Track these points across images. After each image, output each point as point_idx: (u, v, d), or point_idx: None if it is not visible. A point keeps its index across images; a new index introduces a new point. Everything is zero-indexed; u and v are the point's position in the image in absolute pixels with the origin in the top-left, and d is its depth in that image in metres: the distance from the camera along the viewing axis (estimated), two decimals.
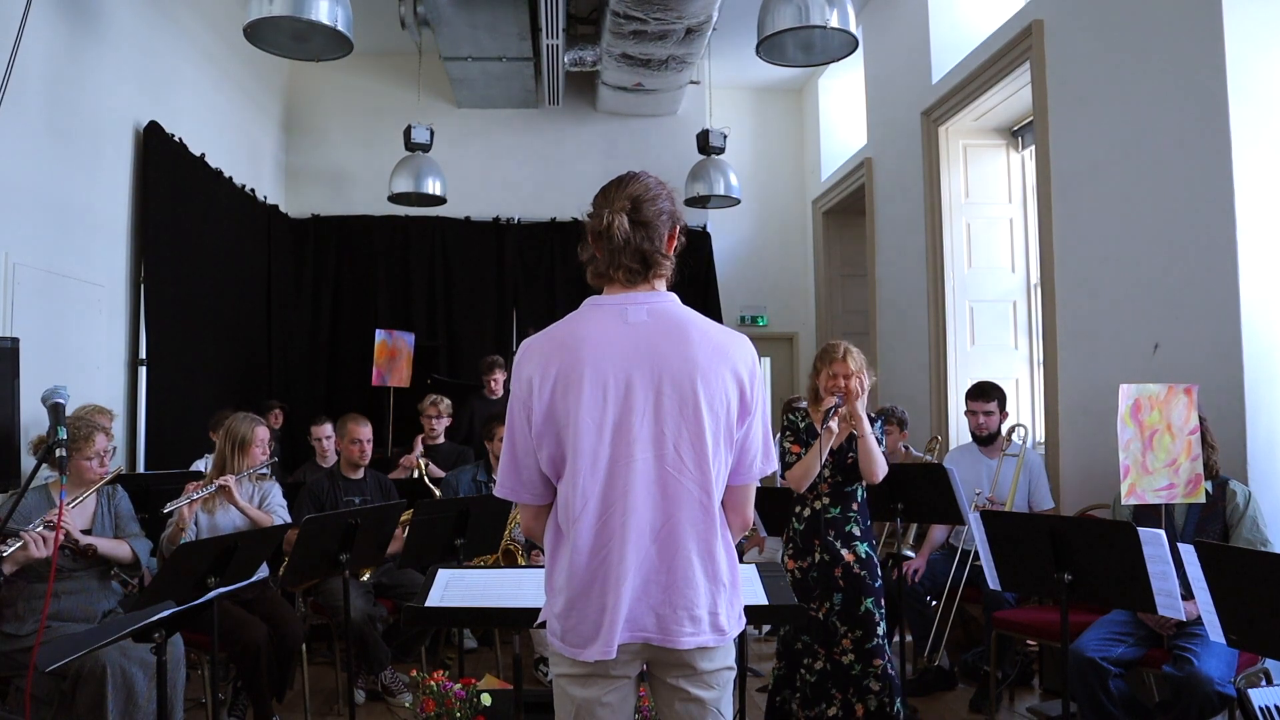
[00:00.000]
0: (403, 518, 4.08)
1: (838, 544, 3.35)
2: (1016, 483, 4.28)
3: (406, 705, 4.13)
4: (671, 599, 1.75)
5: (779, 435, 3.43)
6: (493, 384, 6.16)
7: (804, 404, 3.60)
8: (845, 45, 4.70)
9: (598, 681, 1.78)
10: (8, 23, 3.99)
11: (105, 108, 5.01)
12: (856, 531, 3.38)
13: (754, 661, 4.80)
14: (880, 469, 3.35)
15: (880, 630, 3.34)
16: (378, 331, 6.61)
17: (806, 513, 3.42)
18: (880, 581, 3.40)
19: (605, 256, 1.81)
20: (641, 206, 1.80)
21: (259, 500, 3.95)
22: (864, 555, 3.36)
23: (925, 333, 6.07)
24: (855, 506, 3.41)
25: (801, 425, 3.45)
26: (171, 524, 3.67)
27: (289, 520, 3.94)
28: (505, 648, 4.78)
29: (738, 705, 3.07)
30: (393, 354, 6.61)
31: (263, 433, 4.00)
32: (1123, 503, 3.15)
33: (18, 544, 2.98)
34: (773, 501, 4.29)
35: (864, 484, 3.44)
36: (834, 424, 3.24)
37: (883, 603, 3.39)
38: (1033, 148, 5.11)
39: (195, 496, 3.68)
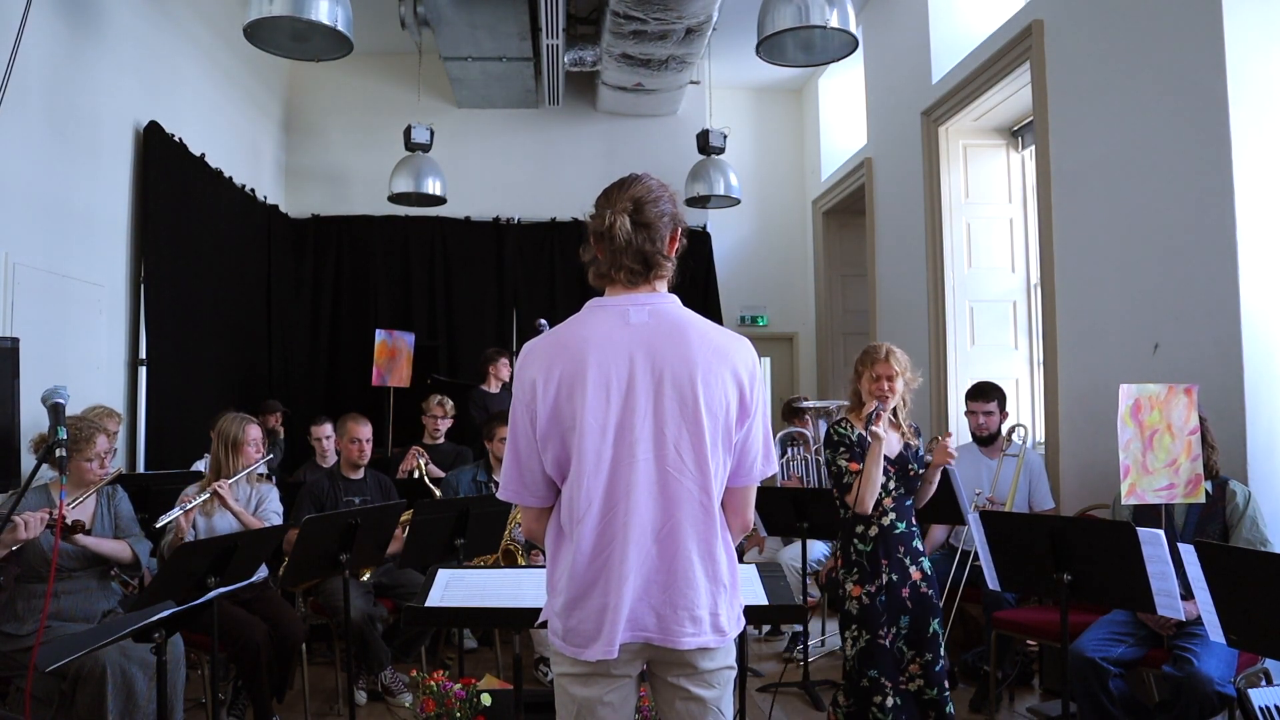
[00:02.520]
0: (403, 518, 4.08)
1: (906, 560, 3.14)
2: (1016, 483, 4.28)
3: (406, 705, 4.13)
4: (672, 599, 1.76)
5: (829, 453, 3.22)
6: (494, 376, 6.15)
7: (807, 402, 3.48)
8: (845, 45, 4.70)
9: (599, 681, 1.79)
10: (8, 23, 3.99)
11: (105, 108, 5.01)
12: (920, 546, 3.20)
13: (754, 661, 4.80)
14: (924, 501, 3.33)
15: (943, 650, 3.16)
16: (378, 331, 6.61)
17: (873, 532, 3.15)
18: (940, 598, 3.25)
19: (607, 257, 1.82)
20: (643, 208, 1.80)
21: (255, 503, 3.95)
22: (928, 571, 3.19)
23: (925, 333, 6.07)
24: (915, 520, 3.24)
25: (854, 437, 3.17)
26: (170, 533, 3.66)
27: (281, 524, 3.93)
28: (505, 648, 4.78)
29: (738, 705, 3.07)
30: (393, 354, 6.60)
31: (254, 431, 3.99)
32: (1123, 503, 3.15)
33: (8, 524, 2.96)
34: (773, 502, 4.29)
35: None
36: (879, 428, 3.06)
37: (940, 617, 3.21)
38: (1033, 148, 5.11)
39: (189, 507, 3.66)
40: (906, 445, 3.22)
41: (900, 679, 3.11)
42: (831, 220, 8.36)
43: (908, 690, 3.11)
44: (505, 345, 7.71)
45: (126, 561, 3.40)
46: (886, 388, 3.13)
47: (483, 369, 6.24)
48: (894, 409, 3.22)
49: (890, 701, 3.06)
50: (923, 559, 3.19)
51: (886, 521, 3.15)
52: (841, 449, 3.19)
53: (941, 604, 4.20)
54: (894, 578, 3.11)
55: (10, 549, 3.04)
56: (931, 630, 3.12)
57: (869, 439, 3.11)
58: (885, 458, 3.13)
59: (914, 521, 3.23)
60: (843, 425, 3.23)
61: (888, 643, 3.08)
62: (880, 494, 3.12)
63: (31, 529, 3.00)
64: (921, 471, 3.25)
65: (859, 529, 3.18)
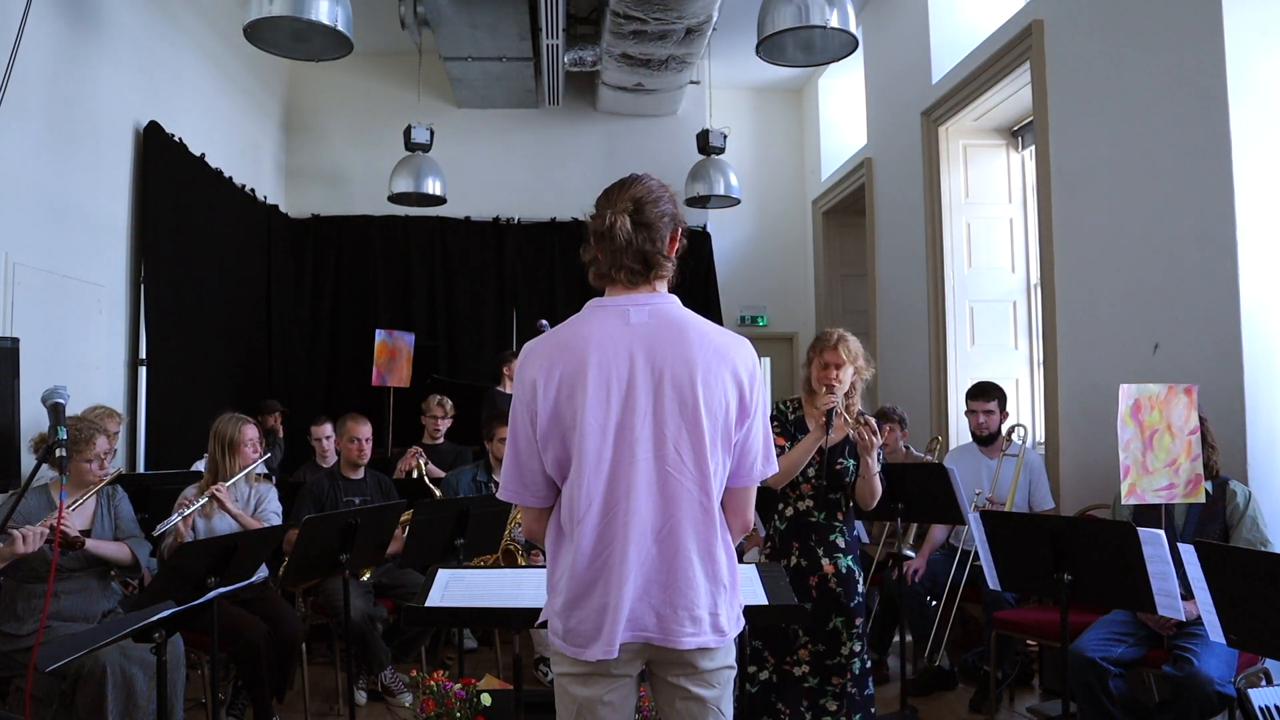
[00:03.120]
0: (403, 518, 4.08)
1: (819, 550, 3.15)
2: (1016, 483, 4.28)
3: (406, 705, 4.13)
4: (672, 599, 1.76)
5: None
6: (510, 377, 6.13)
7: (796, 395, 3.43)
8: (845, 45, 4.70)
9: (599, 680, 1.79)
10: (8, 23, 3.99)
11: (105, 108, 5.01)
12: (841, 543, 3.18)
13: None
14: (873, 498, 3.19)
15: (845, 650, 3.11)
16: (378, 331, 6.61)
17: (789, 512, 3.21)
18: (858, 602, 3.17)
19: (607, 257, 1.82)
20: (644, 208, 1.80)
21: (254, 504, 3.95)
22: (844, 570, 3.15)
23: (925, 333, 6.07)
24: (841, 515, 3.20)
25: (791, 417, 3.23)
26: (170, 537, 3.66)
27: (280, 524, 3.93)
28: (505, 648, 4.78)
29: (737, 705, 3.07)
30: (393, 354, 6.60)
31: (250, 431, 3.98)
32: (1123, 503, 3.15)
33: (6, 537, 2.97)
34: (773, 502, 4.29)
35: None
36: (830, 432, 3.04)
37: (859, 623, 3.15)
38: (1033, 148, 5.11)
39: (186, 513, 3.66)
40: (846, 438, 3.18)
41: (786, 658, 3.11)
42: (831, 220, 8.36)
43: (789, 671, 3.11)
44: (505, 345, 7.72)
45: (126, 564, 3.39)
46: (833, 375, 3.11)
47: (498, 370, 6.23)
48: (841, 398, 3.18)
49: (765, 675, 3.11)
50: (841, 555, 3.16)
51: (803, 507, 3.20)
52: (775, 423, 3.21)
53: (941, 604, 4.24)
54: (803, 563, 3.15)
55: (6, 560, 3.04)
56: (831, 626, 3.09)
57: (808, 428, 3.12)
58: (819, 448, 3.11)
59: (840, 518, 3.19)
60: (786, 404, 3.26)
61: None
62: (798, 479, 3.15)
63: (30, 543, 3.01)
64: (846, 464, 3.16)
65: (779, 506, 3.25)
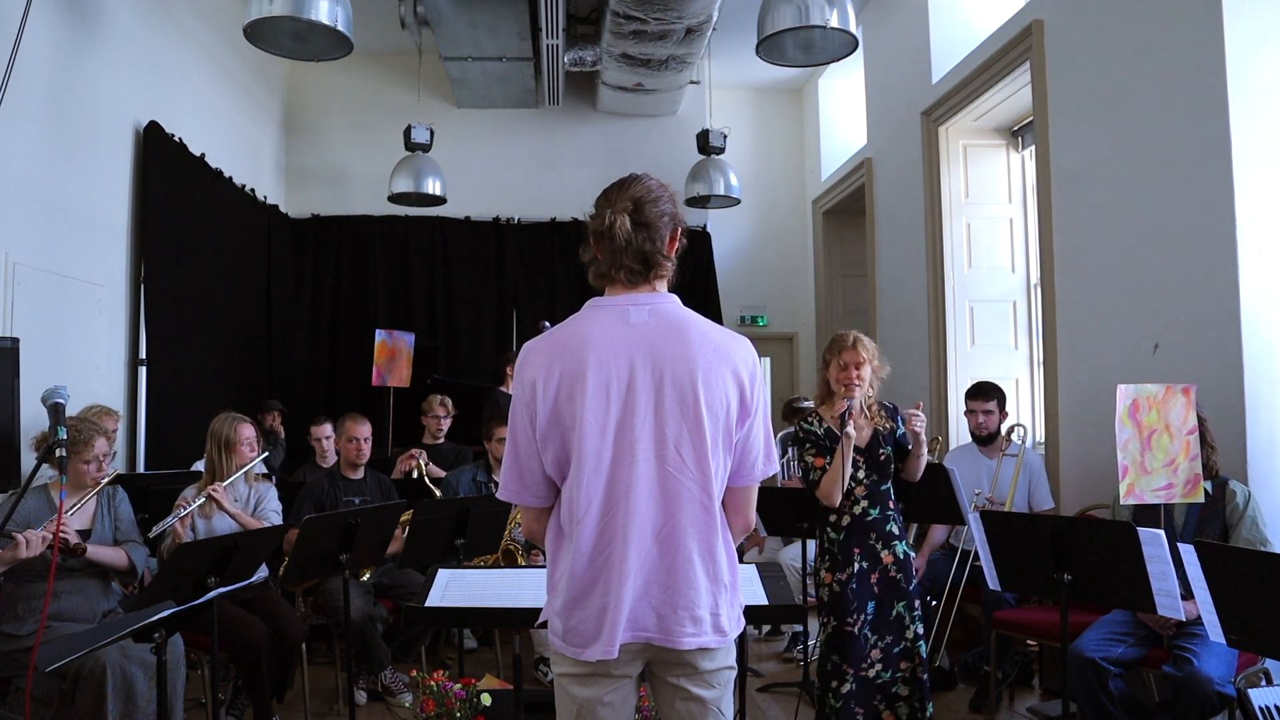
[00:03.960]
0: (403, 518, 4.08)
1: (878, 546, 3.19)
2: (1016, 483, 4.28)
3: (406, 705, 4.13)
4: (672, 599, 1.76)
5: (795, 448, 3.27)
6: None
7: (807, 402, 3.47)
8: (845, 45, 4.70)
9: (599, 681, 1.79)
10: (8, 23, 3.99)
11: (105, 108, 5.01)
12: (895, 530, 3.23)
13: (754, 661, 4.80)
14: (920, 470, 3.31)
15: (910, 634, 3.18)
16: (378, 331, 6.61)
17: (845, 520, 3.21)
18: (915, 584, 3.25)
19: (607, 257, 1.82)
20: (643, 208, 1.80)
21: (254, 503, 3.95)
22: (901, 556, 3.21)
23: (925, 333, 6.07)
24: (891, 504, 3.25)
25: (821, 431, 3.23)
26: (169, 538, 3.66)
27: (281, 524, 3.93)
28: (505, 648, 4.78)
29: (738, 705, 3.08)
30: (393, 354, 6.60)
31: (246, 431, 3.98)
32: (1121, 503, 3.15)
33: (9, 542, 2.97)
34: (773, 502, 4.29)
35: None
36: (851, 429, 3.08)
37: (917, 605, 3.23)
38: (1033, 148, 5.11)
39: (182, 514, 3.65)
40: (876, 432, 3.22)
41: (862, 665, 3.14)
42: (831, 220, 8.36)
43: (865, 676, 3.14)
44: (505, 345, 7.72)
45: (123, 568, 3.38)
46: (854, 375, 3.14)
47: (501, 370, 6.23)
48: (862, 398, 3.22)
49: (847, 687, 3.13)
50: (897, 543, 3.21)
51: (858, 510, 3.20)
52: (807, 445, 3.24)
53: (941, 604, 4.24)
54: (864, 565, 3.16)
55: (8, 565, 3.05)
56: (895, 612, 3.14)
57: (838, 434, 3.13)
58: (855, 448, 3.14)
59: (890, 505, 3.25)
60: (809, 421, 3.26)
61: (855, 630, 3.13)
62: (850, 484, 3.16)
63: (33, 548, 3.01)
64: (889, 453, 3.24)
65: (831, 518, 3.24)
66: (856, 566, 3.17)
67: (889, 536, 3.21)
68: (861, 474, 3.18)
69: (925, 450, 3.31)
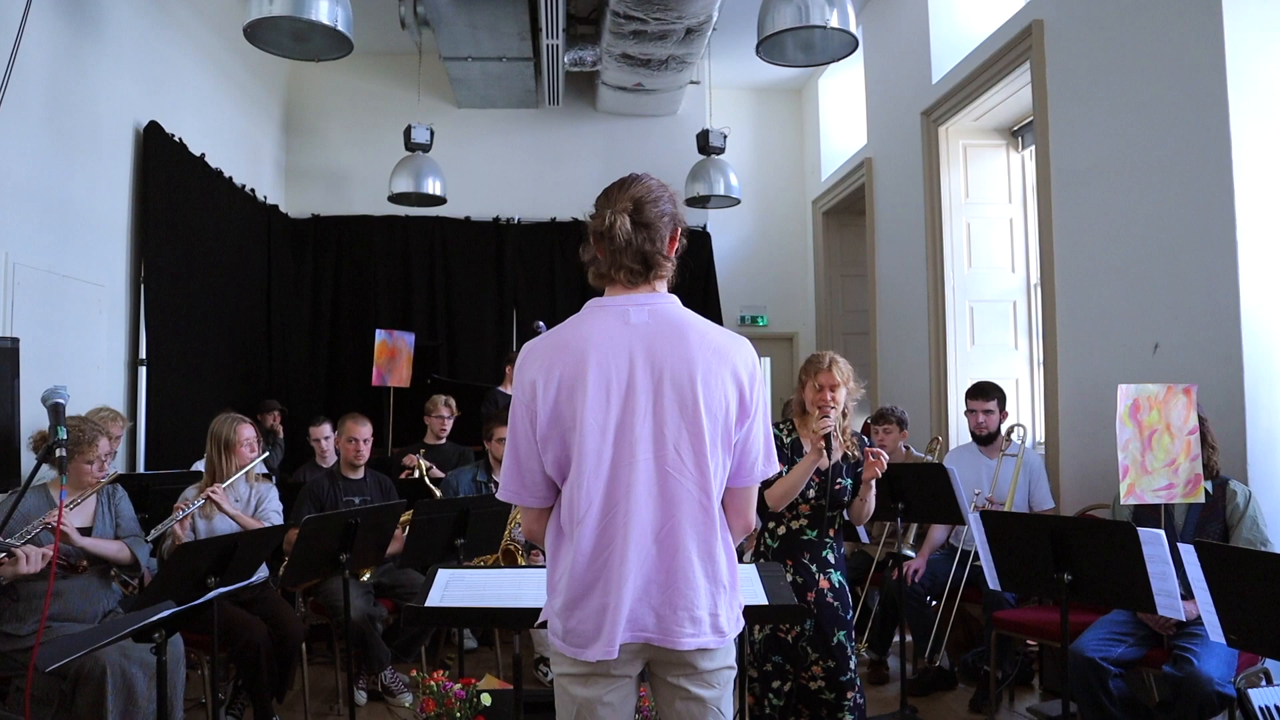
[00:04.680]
0: (403, 518, 4.08)
1: (813, 568, 3.15)
2: (1016, 482, 4.28)
3: (406, 705, 4.13)
4: (672, 600, 1.76)
5: None
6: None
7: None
8: (845, 45, 4.70)
9: (599, 681, 1.79)
10: (8, 23, 3.99)
11: (105, 108, 5.01)
12: (832, 559, 3.18)
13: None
14: (867, 517, 3.25)
15: (853, 664, 3.15)
16: (378, 331, 6.62)
17: (781, 531, 3.19)
18: (852, 614, 3.21)
19: (607, 257, 1.82)
20: (643, 208, 1.80)
21: (255, 504, 3.95)
22: (837, 585, 3.15)
23: (925, 333, 6.07)
24: (832, 533, 3.20)
25: (787, 440, 3.20)
26: (168, 539, 3.66)
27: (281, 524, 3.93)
28: (505, 648, 4.78)
29: (737, 705, 3.08)
30: (393, 354, 6.60)
31: (246, 431, 3.98)
32: (1122, 502, 3.15)
33: (8, 556, 2.98)
34: (766, 520, 4.27)
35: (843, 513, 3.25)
36: (827, 458, 3.01)
37: (853, 635, 3.20)
38: (1033, 148, 5.12)
39: (181, 516, 3.66)
40: (845, 456, 3.18)
41: (803, 674, 3.14)
42: (831, 220, 8.36)
43: (806, 686, 3.15)
44: (505, 345, 7.73)
45: (125, 563, 3.39)
46: (829, 398, 3.11)
47: (502, 370, 6.22)
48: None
49: (788, 687, 3.15)
50: (833, 571, 3.17)
51: (796, 526, 3.17)
52: None
53: (941, 604, 4.25)
54: (798, 580, 3.13)
55: (9, 579, 3.05)
56: (837, 640, 3.12)
57: (804, 450, 3.10)
58: (816, 469, 3.10)
59: (831, 535, 3.19)
60: (780, 428, 3.24)
61: (790, 638, 3.12)
62: (797, 499, 3.12)
63: (33, 564, 3.02)
64: (845, 484, 3.16)
65: (770, 524, 3.22)
66: (790, 579, 3.11)
67: (824, 562, 3.16)
68: (811, 493, 3.14)
69: (872, 499, 3.22)
